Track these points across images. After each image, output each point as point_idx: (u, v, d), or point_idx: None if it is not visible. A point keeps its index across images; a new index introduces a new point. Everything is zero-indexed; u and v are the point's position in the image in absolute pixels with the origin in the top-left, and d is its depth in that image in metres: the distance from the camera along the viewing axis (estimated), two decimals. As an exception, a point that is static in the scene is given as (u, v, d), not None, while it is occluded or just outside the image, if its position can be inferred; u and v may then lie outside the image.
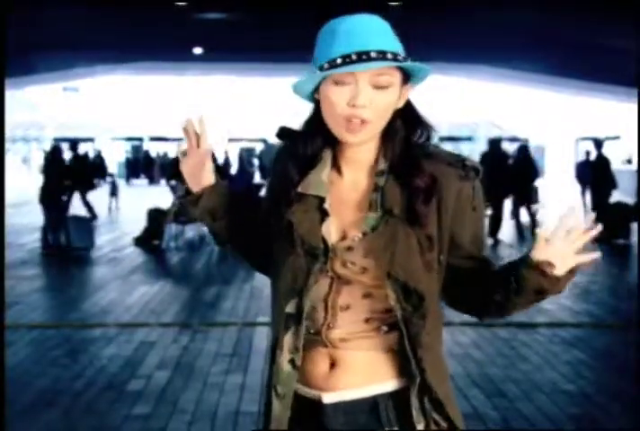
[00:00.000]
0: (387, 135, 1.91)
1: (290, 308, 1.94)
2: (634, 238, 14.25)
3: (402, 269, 1.84)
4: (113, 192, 22.64)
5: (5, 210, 10.38)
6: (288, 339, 1.93)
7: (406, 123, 1.92)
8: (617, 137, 36.00)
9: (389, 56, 1.80)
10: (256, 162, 38.57)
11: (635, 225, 14.34)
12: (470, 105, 51.91)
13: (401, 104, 1.90)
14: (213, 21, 19.44)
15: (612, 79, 22.66)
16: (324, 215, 1.91)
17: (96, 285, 10.20)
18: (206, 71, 33.74)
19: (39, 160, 46.82)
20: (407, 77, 1.89)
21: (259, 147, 42.50)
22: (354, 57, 1.79)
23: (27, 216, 17.42)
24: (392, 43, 1.84)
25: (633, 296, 8.70)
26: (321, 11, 8.27)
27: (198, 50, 24.19)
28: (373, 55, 1.79)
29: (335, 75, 1.82)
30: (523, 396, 5.48)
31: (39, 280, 10.59)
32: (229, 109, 49.42)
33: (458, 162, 1.88)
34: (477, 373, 6.04)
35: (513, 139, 50.44)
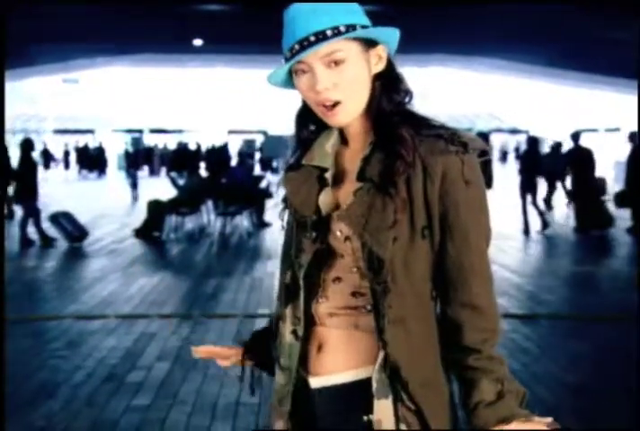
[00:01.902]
0: (370, 101, 1.88)
1: (288, 278, 1.95)
2: (613, 229, 14.37)
3: (371, 237, 1.80)
4: (134, 184, 22.62)
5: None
6: (289, 311, 1.94)
7: (386, 84, 1.88)
8: (616, 129, 36.00)
9: (328, 33, 1.78)
10: (257, 154, 38.57)
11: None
12: (470, 97, 51.88)
13: (380, 67, 1.88)
14: (213, 13, 19.42)
15: (612, 71, 22.63)
16: (323, 185, 1.91)
17: (96, 277, 10.20)
18: (206, 63, 33.73)
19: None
20: (371, 40, 1.85)
21: (259, 139, 42.49)
22: (297, 46, 1.80)
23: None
24: (332, 18, 1.80)
25: (633, 288, 8.70)
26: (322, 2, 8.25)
27: (198, 42, 24.17)
28: (312, 39, 1.78)
29: (294, 66, 1.83)
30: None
31: (39, 272, 10.60)
32: (229, 102, 49.39)
33: (449, 135, 1.80)
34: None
35: (513, 131, 50.47)
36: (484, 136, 15.72)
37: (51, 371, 5.97)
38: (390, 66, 1.90)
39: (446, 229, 1.81)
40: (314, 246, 1.90)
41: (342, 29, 1.80)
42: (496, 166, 33.96)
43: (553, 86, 40.98)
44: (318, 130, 1.97)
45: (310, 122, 1.97)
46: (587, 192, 14.60)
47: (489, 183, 14.27)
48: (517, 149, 45.91)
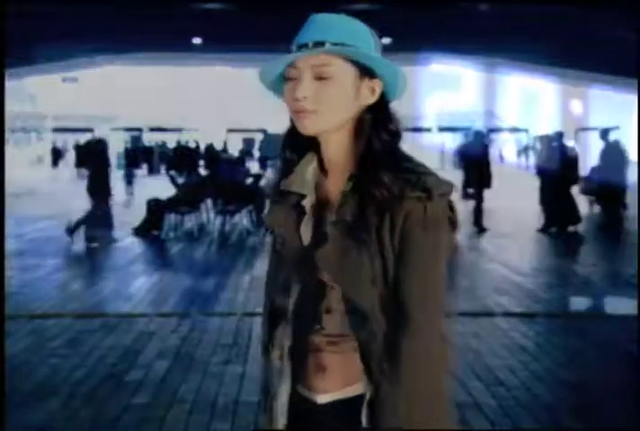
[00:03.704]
0: (356, 134, 1.89)
1: (275, 304, 1.98)
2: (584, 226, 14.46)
3: (350, 286, 1.84)
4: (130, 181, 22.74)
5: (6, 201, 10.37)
6: (276, 336, 1.97)
7: (376, 121, 1.89)
8: (616, 128, 35.99)
9: (326, 45, 1.80)
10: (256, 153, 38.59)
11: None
12: (470, 95, 51.86)
13: (371, 101, 1.88)
14: (213, 12, 19.41)
15: (612, 69, 22.64)
16: (301, 212, 1.93)
17: (96, 276, 10.20)
18: (205, 61, 33.73)
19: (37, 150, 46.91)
20: (369, 72, 1.87)
21: (258, 138, 42.47)
22: (296, 50, 1.83)
23: (28, 207, 17.45)
24: (340, 34, 1.82)
25: (632, 286, 8.71)
26: (322, 1, 8.26)
27: (197, 41, 24.16)
28: (310, 45, 1.81)
29: (287, 72, 1.86)
30: (522, 386, 5.49)
31: (39, 270, 10.59)
32: (229, 100, 49.38)
33: (416, 180, 1.80)
34: (476, 363, 6.05)
35: (513, 130, 50.42)
36: (483, 136, 15.66)
37: (51, 369, 5.97)
38: (383, 103, 1.91)
39: (401, 268, 1.81)
40: (302, 277, 1.92)
41: (342, 46, 1.81)
42: (495, 166, 33.94)
43: (552, 85, 41.00)
44: (303, 154, 1.97)
45: (296, 144, 1.97)
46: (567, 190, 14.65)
47: (488, 183, 14.29)
48: (526, 147, 45.80)
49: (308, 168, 1.95)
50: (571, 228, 14.26)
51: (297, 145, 1.97)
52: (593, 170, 16.63)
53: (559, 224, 14.19)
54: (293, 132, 1.94)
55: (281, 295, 1.96)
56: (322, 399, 1.93)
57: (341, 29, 1.84)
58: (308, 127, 1.86)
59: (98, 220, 12.93)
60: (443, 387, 1.85)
